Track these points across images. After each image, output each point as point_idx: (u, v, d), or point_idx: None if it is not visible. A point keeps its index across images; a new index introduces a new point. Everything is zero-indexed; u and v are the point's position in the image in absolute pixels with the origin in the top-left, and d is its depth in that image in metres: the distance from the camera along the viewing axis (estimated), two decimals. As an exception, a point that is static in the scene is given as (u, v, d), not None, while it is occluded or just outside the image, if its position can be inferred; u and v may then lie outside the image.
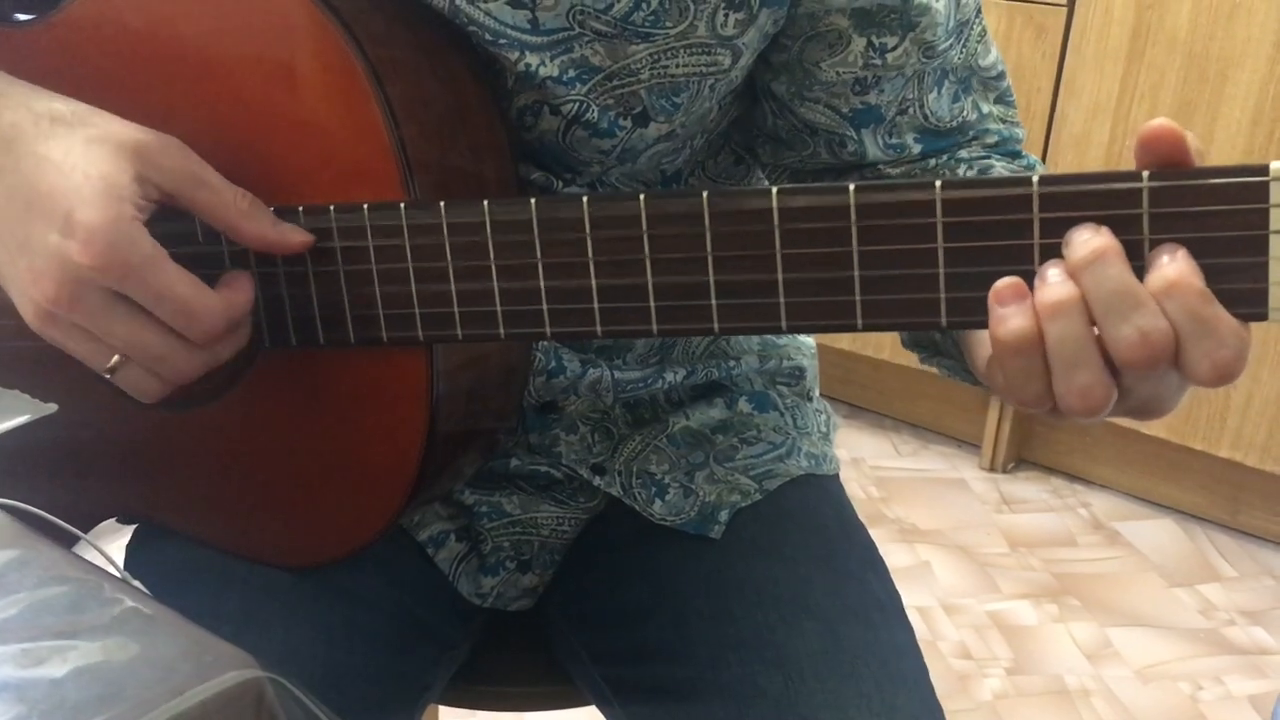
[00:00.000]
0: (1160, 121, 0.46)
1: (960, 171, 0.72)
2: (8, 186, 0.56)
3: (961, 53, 0.70)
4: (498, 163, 0.66)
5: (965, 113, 0.72)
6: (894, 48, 0.68)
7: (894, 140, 0.72)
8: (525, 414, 0.77)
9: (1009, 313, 0.48)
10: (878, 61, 0.68)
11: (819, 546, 0.77)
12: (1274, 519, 1.99)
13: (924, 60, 0.69)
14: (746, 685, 0.68)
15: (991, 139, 0.74)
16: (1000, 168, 0.72)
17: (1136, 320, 0.46)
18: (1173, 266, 0.45)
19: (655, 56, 0.65)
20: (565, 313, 0.56)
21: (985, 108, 0.74)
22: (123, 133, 0.56)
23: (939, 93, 0.71)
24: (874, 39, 0.67)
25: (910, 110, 0.71)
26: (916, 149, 0.72)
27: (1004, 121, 0.75)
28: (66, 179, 0.54)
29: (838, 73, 0.69)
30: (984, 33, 0.71)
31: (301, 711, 0.44)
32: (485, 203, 0.55)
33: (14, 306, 0.59)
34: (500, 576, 0.79)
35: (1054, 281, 0.47)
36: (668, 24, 0.64)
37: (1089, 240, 0.46)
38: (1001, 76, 0.74)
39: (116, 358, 0.57)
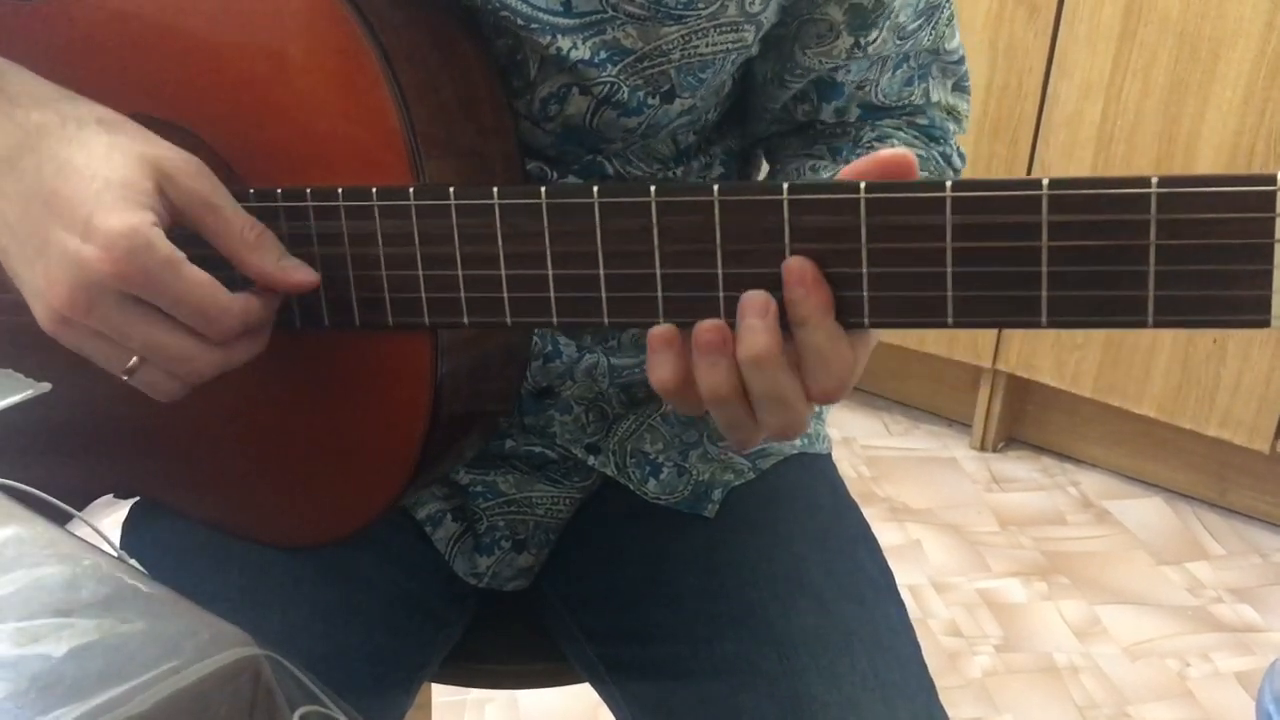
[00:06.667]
0: (900, 151, 0.50)
1: (864, 136, 0.75)
2: (29, 188, 0.55)
3: (930, 35, 0.72)
4: (504, 149, 0.66)
5: (914, 97, 0.75)
6: (874, 39, 0.70)
7: (843, 109, 0.75)
8: (521, 398, 0.77)
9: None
10: (859, 54, 0.70)
11: (812, 525, 0.77)
12: (1262, 497, 2.01)
13: (897, 43, 0.71)
14: (741, 663, 0.68)
15: (922, 120, 0.76)
16: (901, 139, 0.74)
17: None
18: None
19: (686, 37, 0.66)
20: (572, 302, 0.55)
21: (935, 95, 0.76)
22: (147, 146, 0.56)
23: (893, 74, 0.73)
24: (861, 39, 0.69)
25: (866, 88, 0.73)
26: (855, 115, 0.75)
27: (949, 113, 0.77)
28: (88, 184, 0.54)
29: (820, 61, 0.71)
30: (952, 17, 0.73)
31: (299, 689, 0.44)
32: (495, 190, 0.55)
33: (6, 283, 0.58)
34: (496, 556, 0.79)
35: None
36: (700, 5, 0.64)
37: (754, 329, 0.51)
38: (961, 61, 0.76)
39: (134, 360, 0.56)
